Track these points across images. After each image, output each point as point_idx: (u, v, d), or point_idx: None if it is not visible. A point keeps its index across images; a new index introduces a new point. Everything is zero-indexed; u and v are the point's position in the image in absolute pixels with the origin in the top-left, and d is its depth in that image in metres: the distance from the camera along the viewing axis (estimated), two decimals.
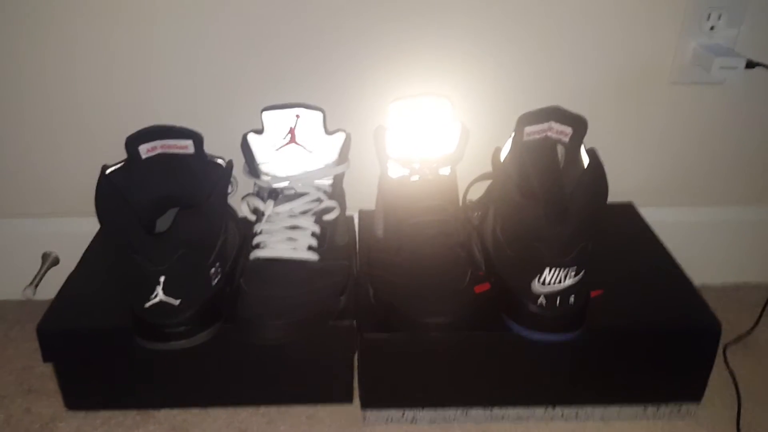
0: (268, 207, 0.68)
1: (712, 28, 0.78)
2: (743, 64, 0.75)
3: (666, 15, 0.78)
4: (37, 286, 0.84)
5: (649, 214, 0.85)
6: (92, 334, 0.67)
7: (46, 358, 0.68)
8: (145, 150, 0.66)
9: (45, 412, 0.73)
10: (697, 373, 0.70)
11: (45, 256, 0.88)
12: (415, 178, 0.70)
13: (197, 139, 0.68)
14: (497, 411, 0.71)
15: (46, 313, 0.69)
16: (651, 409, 0.72)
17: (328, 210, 0.70)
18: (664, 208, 0.89)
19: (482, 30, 0.78)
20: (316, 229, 0.68)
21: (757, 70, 0.76)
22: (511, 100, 0.81)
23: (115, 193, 0.61)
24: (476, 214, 0.74)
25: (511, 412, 0.72)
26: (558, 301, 0.61)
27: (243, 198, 0.72)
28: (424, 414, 0.71)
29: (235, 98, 0.80)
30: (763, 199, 0.90)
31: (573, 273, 0.60)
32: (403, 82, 0.79)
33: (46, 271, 0.86)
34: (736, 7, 0.77)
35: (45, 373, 0.78)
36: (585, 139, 0.66)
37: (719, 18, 0.77)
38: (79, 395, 0.72)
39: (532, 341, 0.64)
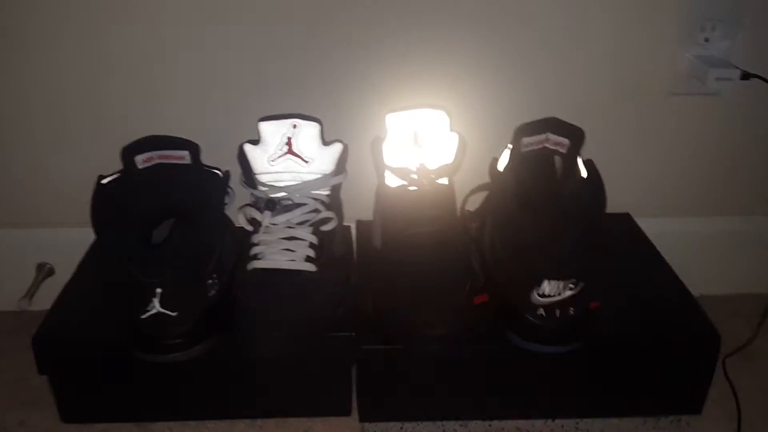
0: (265, 218, 0.68)
1: (706, 39, 0.78)
2: (738, 75, 0.76)
3: (661, 27, 0.78)
4: (32, 297, 0.83)
5: (647, 224, 0.85)
6: (88, 346, 0.67)
7: (41, 370, 0.68)
8: (141, 160, 0.66)
9: (40, 425, 0.72)
10: (697, 384, 0.70)
11: (40, 267, 0.87)
12: (412, 188, 0.70)
13: (194, 150, 0.67)
14: (496, 423, 0.71)
15: (42, 324, 0.68)
16: (650, 421, 0.71)
17: (325, 221, 0.70)
18: (662, 218, 0.89)
19: (480, 41, 0.78)
20: (314, 239, 0.68)
21: (752, 81, 0.76)
22: (508, 110, 0.81)
23: (111, 204, 0.61)
24: (474, 224, 0.74)
25: (510, 424, 0.71)
26: (557, 313, 0.61)
27: (240, 209, 0.71)
28: (423, 427, 0.71)
29: (231, 108, 0.80)
30: (761, 209, 0.91)
31: (572, 285, 0.60)
32: (401, 92, 0.79)
33: (41, 282, 0.85)
34: (731, 18, 0.77)
35: (40, 385, 0.77)
36: (582, 150, 0.66)
37: (714, 29, 0.78)
38: (74, 408, 0.71)
39: (531, 353, 0.63)
